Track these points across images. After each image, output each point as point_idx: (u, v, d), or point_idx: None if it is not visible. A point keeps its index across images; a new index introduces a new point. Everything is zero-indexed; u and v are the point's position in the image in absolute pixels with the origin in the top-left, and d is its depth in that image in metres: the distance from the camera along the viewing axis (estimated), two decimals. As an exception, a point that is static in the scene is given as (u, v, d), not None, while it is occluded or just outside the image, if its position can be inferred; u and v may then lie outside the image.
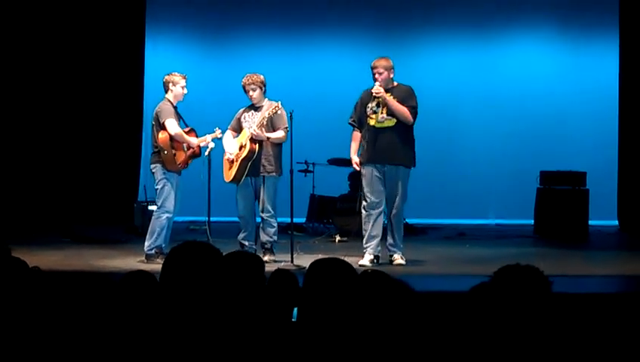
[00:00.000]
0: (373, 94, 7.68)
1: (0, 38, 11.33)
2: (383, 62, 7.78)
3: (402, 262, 7.79)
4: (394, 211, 7.80)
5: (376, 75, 7.74)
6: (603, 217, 11.35)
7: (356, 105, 7.96)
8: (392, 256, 7.84)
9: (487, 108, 12.33)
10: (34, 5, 11.42)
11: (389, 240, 7.84)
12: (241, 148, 7.94)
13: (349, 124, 7.99)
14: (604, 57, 12.20)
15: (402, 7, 12.49)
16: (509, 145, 12.27)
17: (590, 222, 10.48)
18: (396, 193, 7.76)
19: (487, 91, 12.39)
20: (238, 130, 8.13)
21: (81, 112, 11.63)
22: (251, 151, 7.85)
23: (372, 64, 7.81)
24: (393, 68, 7.83)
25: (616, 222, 11.66)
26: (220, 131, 8.17)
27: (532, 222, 10.78)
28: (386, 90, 7.75)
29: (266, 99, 8.09)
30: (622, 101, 11.71)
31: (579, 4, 12.31)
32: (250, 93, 8.01)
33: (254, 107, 8.10)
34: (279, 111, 7.93)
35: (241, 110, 8.21)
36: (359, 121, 7.89)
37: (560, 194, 10.54)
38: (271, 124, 7.94)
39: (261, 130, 7.85)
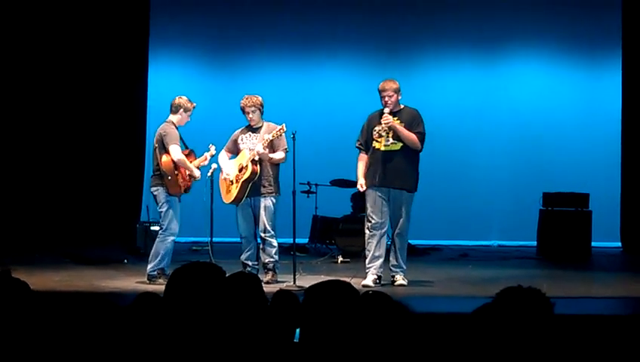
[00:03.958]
0: (383, 124, 7.65)
1: (3, 56, 11.37)
2: (392, 85, 7.74)
3: (404, 282, 7.79)
4: (397, 232, 7.81)
5: (386, 98, 7.70)
6: (606, 239, 11.35)
7: (363, 128, 7.95)
8: (393, 276, 7.84)
9: (489, 130, 12.34)
10: (36, 22, 11.45)
11: (392, 261, 7.85)
12: (241, 169, 7.95)
13: (357, 147, 7.99)
14: (607, 79, 12.22)
15: (407, 29, 12.52)
16: (512, 166, 12.28)
17: (593, 244, 10.49)
18: (400, 216, 7.77)
19: (490, 113, 12.40)
20: (234, 151, 8.17)
21: (83, 132, 11.64)
22: (253, 173, 7.87)
23: (380, 87, 7.76)
24: (400, 90, 7.81)
25: (619, 244, 11.64)
26: (214, 148, 8.18)
27: (535, 243, 10.78)
28: (393, 114, 7.73)
29: (263, 120, 8.12)
30: (624, 123, 11.72)
31: (582, 27, 12.33)
32: (250, 115, 8.04)
33: (252, 128, 8.13)
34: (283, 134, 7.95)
35: (237, 131, 8.23)
36: (366, 144, 7.89)
37: (563, 215, 10.53)
38: (270, 146, 7.96)
39: (265, 150, 7.87)
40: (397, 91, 7.75)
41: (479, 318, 2.60)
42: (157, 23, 12.15)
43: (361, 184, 7.88)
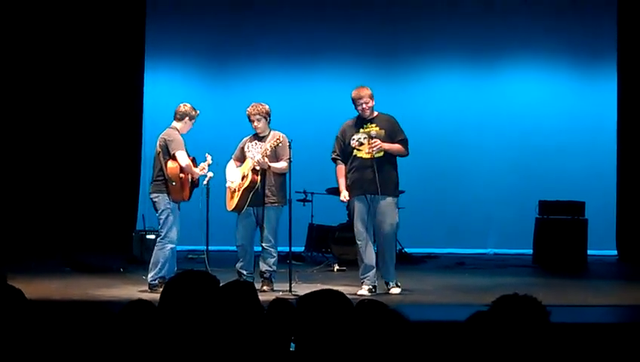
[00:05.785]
0: (373, 150, 7.61)
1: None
2: (367, 92, 7.74)
3: (397, 291, 7.76)
4: (382, 240, 7.76)
5: (364, 105, 7.69)
6: (602, 247, 11.34)
7: (337, 139, 7.91)
8: (387, 284, 7.82)
9: (486, 138, 12.34)
10: (31, 31, 11.45)
11: (382, 269, 7.81)
12: (243, 178, 7.95)
13: (332, 159, 7.95)
14: (603, 87, 12.23)
15: (406, 38, 12.51)
16: (509, 174, 12.27)
17: (589, 252, 10.47)
18: (384, 223, 7.71)
19: (487, 121, 12.40)
20: (242, 159, 8.14)
21: (80, 140, 11.64)
22: (253, 182, 7.86)
23: (355, 95, 7.74)
24: (373, 97, 7.81)
25: (615, 252, 11.64)
26: (210, 158, 8.16)
27: (531, 251, 10.76)
28: (368, 120, 7.76)
29: (270, 129, 8.11)
30: (620, 131, 11.73)
31: (579, 36, 12.35)
32: (255, 123, 8.02)
33: (258, 137, 8.11)
34: (281, 144, 7.93)
35: (245, 139, 8.21)
36: (342, 154, 7.86)
37: (559, 223, 10.53)
38: (274, 155, 7.95)
39: (264, 159, 7.86)
40: (372, 98, 7.76)
41: (475, 326, 2.60)
42: (154, 30, 12.14)
43: (345, 196, 7.84)
